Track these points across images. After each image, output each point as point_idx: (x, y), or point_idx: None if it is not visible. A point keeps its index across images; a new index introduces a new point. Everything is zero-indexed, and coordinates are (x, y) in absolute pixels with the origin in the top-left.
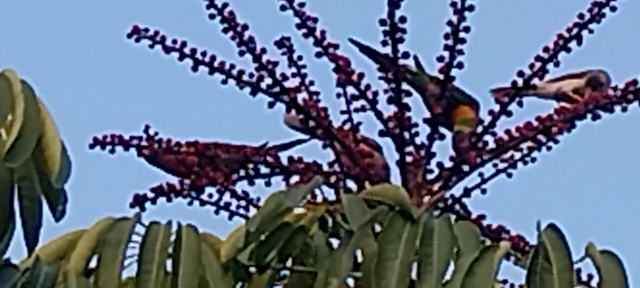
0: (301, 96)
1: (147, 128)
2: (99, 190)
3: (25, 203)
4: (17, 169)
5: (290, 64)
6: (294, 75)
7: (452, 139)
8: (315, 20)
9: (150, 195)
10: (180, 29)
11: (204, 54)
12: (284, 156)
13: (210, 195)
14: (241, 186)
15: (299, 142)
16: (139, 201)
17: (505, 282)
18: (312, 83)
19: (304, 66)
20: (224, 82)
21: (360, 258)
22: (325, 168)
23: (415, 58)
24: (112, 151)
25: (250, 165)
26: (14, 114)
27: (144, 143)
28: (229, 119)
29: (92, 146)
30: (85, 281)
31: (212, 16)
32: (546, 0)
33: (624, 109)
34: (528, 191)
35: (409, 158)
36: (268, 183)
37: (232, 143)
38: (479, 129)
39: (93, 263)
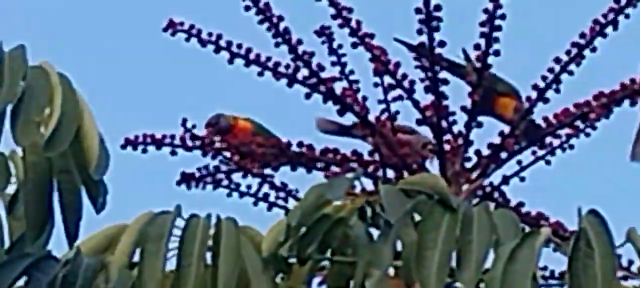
0: (339, 87)
1: (184, 121)
2: (135, 184)
3: (65, 196)
4: (56, 162)
5: (330, 52)
6: (333, 64)
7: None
8: (350, 10)
9: (197, 174)
10: (215, 22)
11: (239, 46)
12: (320, 147)
13: (249, 187)
14: (280, 177)
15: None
16: (186, 179)
17: (545, 268)
18: (351, 72)
19: (343, 55)
20: (260, 74)
21: (399, 248)
22: (364, 158)
23: (464, 50)
24: (144, 151)
25: (288, 158)
26: (52, 106)
27: (176, 142)
28: (266, 113)
29: (123, 146)
30: (127, 273)
31: (247, 8)
32: None
33: None
34: (567, 178)
35: (446, 147)
36: (309, 171)
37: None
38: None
39: (136, 258)
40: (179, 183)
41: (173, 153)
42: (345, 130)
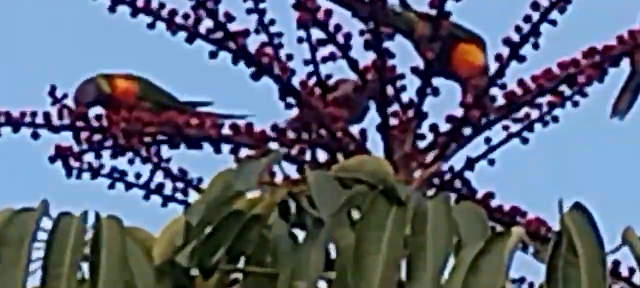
0: (253, 43)
1: (52, 90)
2: None
3: None
4: None
5: None
6: (249, 11)
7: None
8: None
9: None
10: None
11: None
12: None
13: (138, 175)
14: (178, 163)
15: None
16: (61, 155)
17: (522, 280)
18: (271, 23)
19: None
20: (151, 25)
21: (333, 254)
22: (286, 136)
23: None
24: None
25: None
26: None
27: (39, 120)
28: (166, 75)
29: None
30: None
31: None
32: None
33: None
34: (549, 161)
35: (393, 121)
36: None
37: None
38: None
39: None
40: (52, 159)
41: (35, 135)
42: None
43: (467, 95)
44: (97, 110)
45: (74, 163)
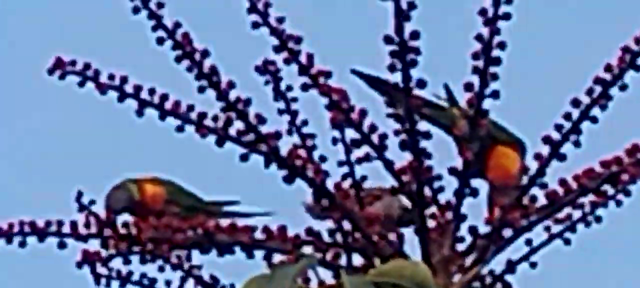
0: (285, 144)
1: (79, 196)
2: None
3: None
4: None
5: (276, 95)
6: (281, 112)
7: (488, 194)
8: (299, 40)
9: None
10: (118, 62)
11: (151, 91)
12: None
13: (168, 283)
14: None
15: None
16: (88, 261)
17: None
18: (304, 124)
19: (294, 99)
20: (180, 128)
21: None
22: (322, 240)
23: (446, 86)
24: (23, 244)
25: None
26: None
27: (65, 230)
28: (190, 176)
29: None
30: None
31: (160, 41)
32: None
33: None
34: (592, 262)
35: (431, 223)
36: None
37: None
38: (525, 180)
39: None
40: (80, 265)
41: (62, 246)
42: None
43: (497, 200)
44: (124, 217)
45: (101, 270)
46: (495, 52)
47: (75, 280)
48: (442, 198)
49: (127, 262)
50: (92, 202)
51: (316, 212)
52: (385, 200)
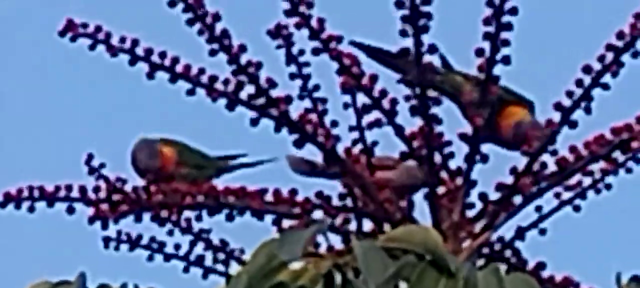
0: (296, 109)
1: (89, 158)
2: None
3: None
4: None
5: (288, 60)
6: (293, 76)
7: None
8: (310, 4)
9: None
10: (129, 24)
11: (162, 54)
12: (268, 192)
13: (177, 246)
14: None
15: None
16: (100, 216)
17: None
18: (316, 88)
19: (306, 64)
20: (191, 91)
21: None
22: (332, 205)
23: (441, 55)
24: (31, 209)
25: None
26: None
27: (74, 194)
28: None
29: (2, 205)
30: None
31: (172, 3)
32: None
33: None
34: (603, 230)
35: (441, 190)
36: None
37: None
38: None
39: None
40: (91, 220)
41: (70, 210)
42: (328, 171)
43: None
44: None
45: (113, 226)
46: (506, 18)
47: (85, 243)
48: (452, 164)
49: (138, 219)
50: (102, 165)
51: (300, 168)
52: (407, 165)
